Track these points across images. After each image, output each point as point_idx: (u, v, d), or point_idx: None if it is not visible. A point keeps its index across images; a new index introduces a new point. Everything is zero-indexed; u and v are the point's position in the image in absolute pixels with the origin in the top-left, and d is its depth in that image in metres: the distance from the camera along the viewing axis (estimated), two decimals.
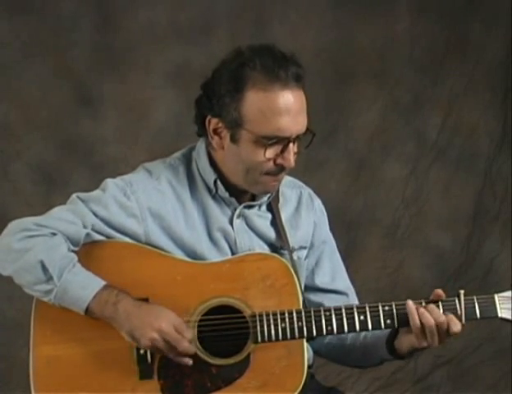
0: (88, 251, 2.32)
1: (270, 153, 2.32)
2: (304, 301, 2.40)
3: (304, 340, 2.33)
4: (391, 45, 4.61)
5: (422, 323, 2.28)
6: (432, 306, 2.30)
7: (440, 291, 2.33)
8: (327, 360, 2.64)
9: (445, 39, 4.63)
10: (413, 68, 4.64)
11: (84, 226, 2.32)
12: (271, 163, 2.34)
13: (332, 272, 2.59)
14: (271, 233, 2.48)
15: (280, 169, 2.36)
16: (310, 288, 2.56)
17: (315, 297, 2.54)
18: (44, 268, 2.24)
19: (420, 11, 4.61)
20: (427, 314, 2.29)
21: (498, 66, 4.65)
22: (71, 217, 2.32)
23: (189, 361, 2.26)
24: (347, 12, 4.55)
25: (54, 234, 2.29)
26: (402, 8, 4.61)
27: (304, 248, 2.56)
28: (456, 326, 2.28)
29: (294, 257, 2.48)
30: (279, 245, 2.48)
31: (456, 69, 4.66)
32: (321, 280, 2.57)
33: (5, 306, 4.26)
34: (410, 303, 2.31)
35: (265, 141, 2.31)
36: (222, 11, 4.49)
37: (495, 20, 4.63)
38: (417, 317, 2.29)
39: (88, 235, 2.33)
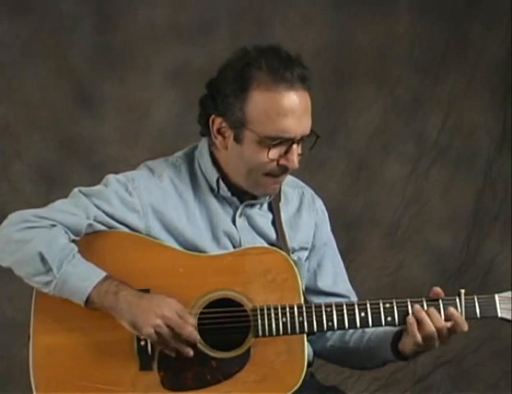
0: (89, 241, 2.33)
1: (273, 153, 2.32)
2: (305, 298, 2.40)
3: (305, 336, 2.33)
4: (391, 45, 4.61)
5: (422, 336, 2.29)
6: (432, 311, 2.29)
7: (438, 289, 2.33)
8: (326, 360, 2.65)
9: (445, 39, 4.64)
10: (413, 68, 4.64)
11: (87, 217, 2.33)
12: (274, 164, 2.34)
13: (334, 275, 2.60)
14: (271, 233, 2.49)
15: (282, 170, 2.36)
16: (312, 291, 2.56)
17: (317, 300, 2.53)
18: (43, 260, 2.25)
19: (420, 11, 4.61)
20: (429, 321, 2.28)
21: (498, 66, 4.65)
22: (73, 208, 2.33)
23: (190, 352, 2.26)
24: (347, 12, 4.55)
25: (54, 225, 2.29)
26: (402, 8, 4.61)
27: (305, 249, 2.56)
28: (464, 326, 2.29)
29: (294, 257, 2.47)
30: (279, 245, 2.47)
31: (456, 69, 4.66)
32: (323, 283, 2.58)
33: (5, 306, 4.27)
34: (411, 319, 2.30)
35: (269, 142, 2.31)
36: (222, 11, 4.49)
37: (495, 20, 4.63)
38: (416, 331, 2.29)
39: (90, 225, 2.33)
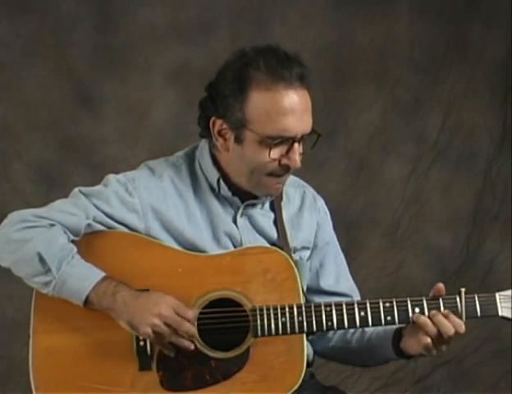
0: (89, 241, 2.33)
1: (275, 153, 2.32)
2: (305, 297, 2.41)
3: (304, 335, 2.33)
4: (391, 45, 4.61)
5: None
6: (442, 321, 2.28)
7: (441, 286, 2.32)
8: (329, 359, 2.65)
9: (445, 39, 4.64)
10: (413, 68, 4.64)
11: (86, 218, 2.33)
12: (275, 164, 2.34)
13: (336, 275, 2.59)
14: (273, 232, 2.48)
15: (285, 170, 2.36)
16: (315, 290, 2.55)
17: (320, 299, 2.51)
18: (42, 260, 2.25)
19: (420, 11, 4.61)
20: (431, 324, 2.28)
21: (498, 66, 4.65)
22: (72, 208, 2.33)
23: (191, 345, 2.26)
24: (347, 12, 4.55)
25: (52, 225, 2.29)
26: (402, 8, 4.61)
27: (307, 248, 2.55)
28: (461, 328, 2.28)
29: (296, 257, 2.48)
30: (280, 245, 2.47)
31: (456, 69, 4.66)
32: (325, 282, 2.57)
33: (5, 306, 4.27)
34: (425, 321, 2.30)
35: (270, 141, 2.30)
36: (222, 11, 4.49)
37: (495, 20, 4.63)
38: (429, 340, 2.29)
39: (89, 225, 2.33)
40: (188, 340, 2.26)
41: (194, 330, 2.25)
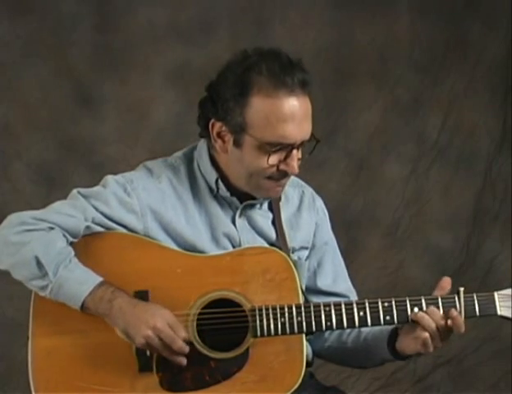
0: (88, 242, 2.33)
1: (273, 159, 2.31)
2: (305, 297, 2.41)
3: (304, 335, 2.33)
4: (391, 45, 4.62)
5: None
6: (433, 309, 2.30)
7: (447, 279, 2.32)
8: (325, 360, 2.65)
9: (445, 39, 4.64)
10: (413, 68, 4.64)
11: (85, 219, 2.32)
12: (273, 169, 2.33)
13: (334, 275, 2.59)
14: (272, 232, 2.48)
15: (283, 175, 2.36)
16: (312, 290, 2.55)
17: (317, 299, 2.52)
18: (39, 264, 2.24)
19: (420, 11, 4.62)
20: (428, 318, 2.29)
21: (498, 66, 4.65)
22: (71, 210, 2.33)
23: (184, 361, 2.26)
24: (347, 12, 4.56)
25: (52, 228, 2.29)
26: (402, 8, 4.61)
27: (306, 248, 2.55)
28: (462, 327, 2.28)
29: (295, 257, 2.48)
30: (279, 245, 2.47)
31: (456, 69, 4.66)
32: (322, 282, 2.57)
33: (5, 306, 4.27)
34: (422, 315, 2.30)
35: (269, 147, 2.30)
36: (222, 11, 4.49)
37: (495, 20, 4.63)
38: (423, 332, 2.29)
39: (88, 227, 2.33)
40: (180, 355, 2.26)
41: (186, 348, 2.25)
